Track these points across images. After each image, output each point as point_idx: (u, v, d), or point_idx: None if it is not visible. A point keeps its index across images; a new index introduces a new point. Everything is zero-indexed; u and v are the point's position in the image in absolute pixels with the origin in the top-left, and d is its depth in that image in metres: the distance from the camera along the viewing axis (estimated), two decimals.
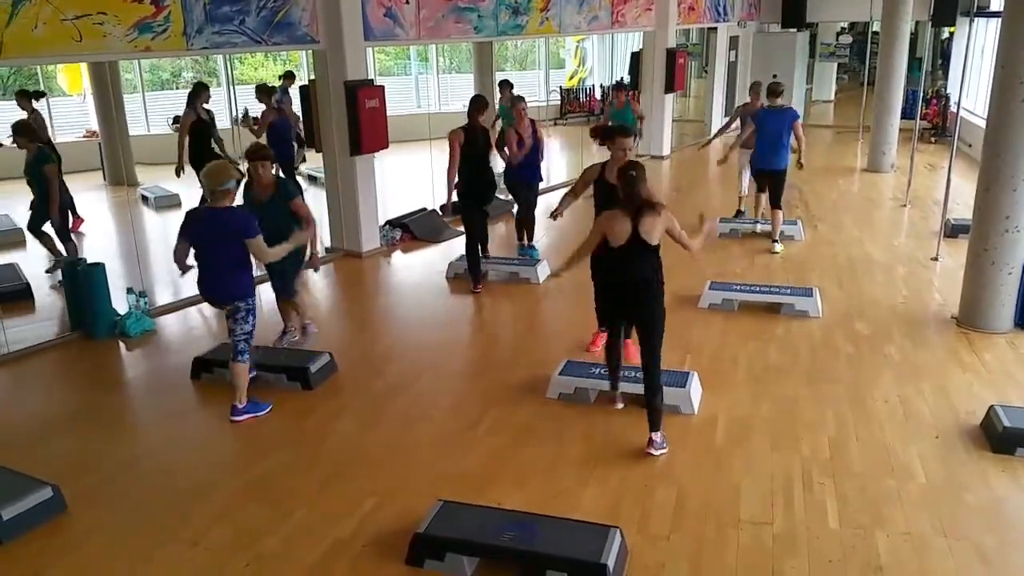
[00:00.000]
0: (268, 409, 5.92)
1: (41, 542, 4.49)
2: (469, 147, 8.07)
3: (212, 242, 5.56)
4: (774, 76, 16.98)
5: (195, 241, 5.58)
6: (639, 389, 5.78)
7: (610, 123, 12.20)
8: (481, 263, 8.52)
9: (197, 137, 10.04)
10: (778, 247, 9.50)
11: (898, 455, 5.16)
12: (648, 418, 5.22)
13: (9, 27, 6.35)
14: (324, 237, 9.90)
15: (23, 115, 9.91)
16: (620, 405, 5.79)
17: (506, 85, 12.18)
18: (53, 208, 8.49)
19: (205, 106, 10.13)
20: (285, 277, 6.72)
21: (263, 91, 11.20)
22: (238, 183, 5.64)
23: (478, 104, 8.24)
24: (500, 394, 6.10)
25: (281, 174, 6.62)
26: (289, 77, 12.96)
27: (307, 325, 7.02)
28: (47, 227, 8.73)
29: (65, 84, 15.41)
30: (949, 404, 5.83)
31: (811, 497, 4.72)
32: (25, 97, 10.22)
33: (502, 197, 12.04)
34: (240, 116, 10.86)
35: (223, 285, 5.67)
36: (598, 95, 20.66)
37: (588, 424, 5.60)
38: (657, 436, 5.20)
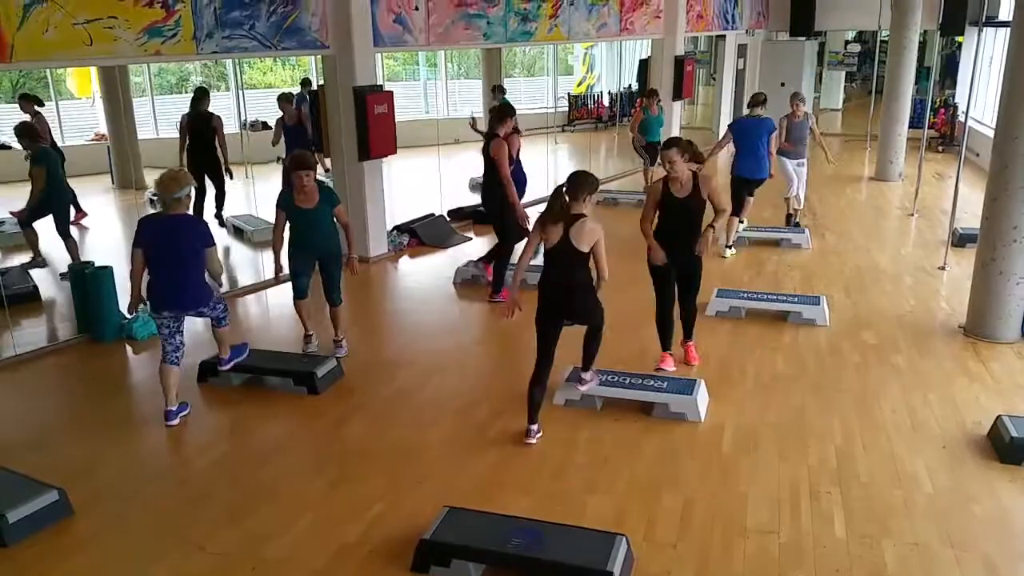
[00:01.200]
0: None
1: (46, 545, 4.49)
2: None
3: (173, 250, 5.55)
4: (782, 84, 17.00)
5: (155, 249, 5.54)
6: (643, 396, 5.80)
7: (641, 131, 12.40)
8: (503, 270, 8.24)
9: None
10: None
11: (905, 465, 5.15)
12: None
13: (20, 31, 6.38)
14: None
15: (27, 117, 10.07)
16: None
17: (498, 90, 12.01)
18: (31, 202, 8.75)
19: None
20: (333, 283, 6.77)
21: (284, 98, 11.23)
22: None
23: (497, 114, 8.16)
24: (507, 400, 6.09)
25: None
26: (305, 84, 13.01)
27: (341, 341, 7.01)
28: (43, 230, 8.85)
29: (74, 87, 15.46)
30: (956, 414, 5.81)
31: (818, 506, 4.71)
32: (28, 101, 10.32)
33: None
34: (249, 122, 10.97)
35: (189, 293, 5.68)
36: (606, 102, 20.66)
37: (594, 431, 5.59)
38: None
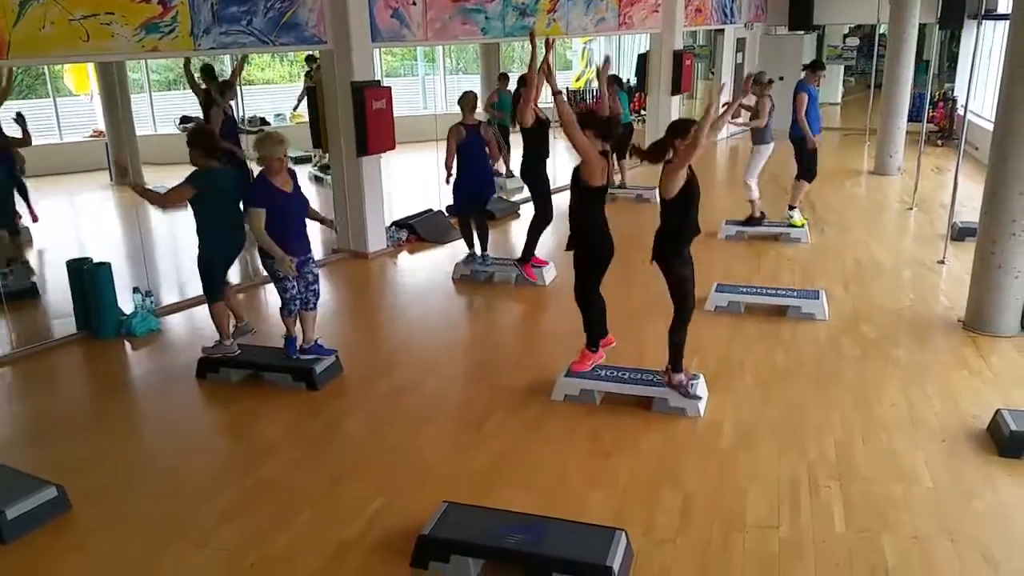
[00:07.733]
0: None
1: (45, 542, 4.49)
2: None
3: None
4: (780, 78, 16.92)
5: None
6: (642, 391, 5.80)
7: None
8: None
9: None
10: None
11: (904, 459, 5.15)
12: None
13: (17, 26, 6.36)
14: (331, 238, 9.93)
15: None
16: None
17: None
18: None
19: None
20: None
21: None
22: None
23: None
24: (505, 396, 6.09)
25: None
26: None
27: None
28: None
29: (72, 84, 15.45)
30: (955, 408, 5.81)
31: (817, 501, 4.71)
32: None
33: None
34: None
35: None
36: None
37: (593, 426, 5.59)
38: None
